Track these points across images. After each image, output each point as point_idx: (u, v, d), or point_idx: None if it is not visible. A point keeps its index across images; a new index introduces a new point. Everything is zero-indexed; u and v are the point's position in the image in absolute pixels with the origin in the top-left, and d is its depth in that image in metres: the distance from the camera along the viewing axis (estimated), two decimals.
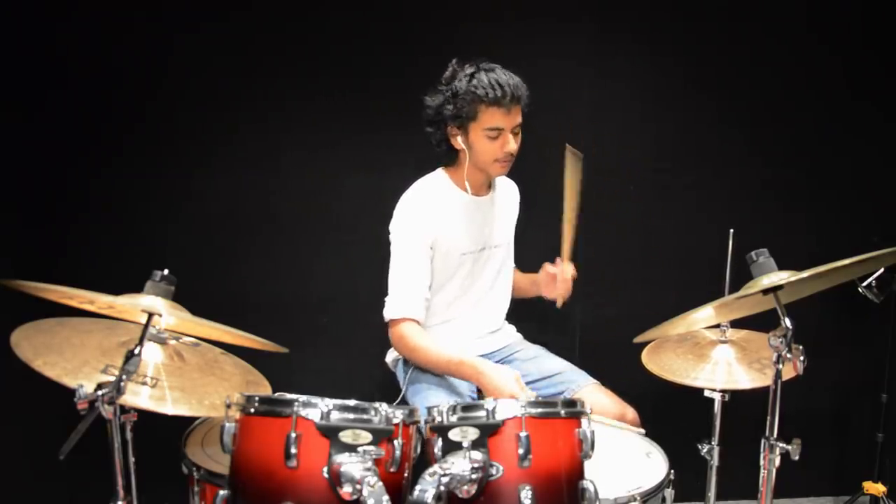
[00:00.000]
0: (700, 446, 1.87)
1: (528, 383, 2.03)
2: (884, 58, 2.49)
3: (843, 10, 2.44)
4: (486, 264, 2.08)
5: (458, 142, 1.92)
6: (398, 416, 1.28)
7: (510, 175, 2.12)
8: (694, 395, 1.81)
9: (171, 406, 1.38)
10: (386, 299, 1.94)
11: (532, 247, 2.32)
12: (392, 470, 1.26)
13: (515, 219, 2.20)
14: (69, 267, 2.14)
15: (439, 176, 2.02)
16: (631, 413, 1.95)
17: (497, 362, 2.13)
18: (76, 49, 2.18)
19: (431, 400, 1.91)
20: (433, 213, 1.94)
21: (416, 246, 1.92)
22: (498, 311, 2.17)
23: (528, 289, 2.18)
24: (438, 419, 1.35)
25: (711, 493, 1.89)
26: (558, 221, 2.43)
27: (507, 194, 2.16)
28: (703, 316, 1.65)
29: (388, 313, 1.93)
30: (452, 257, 1.99)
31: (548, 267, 2.07)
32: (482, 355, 2.12)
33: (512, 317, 2.23)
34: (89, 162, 2.22)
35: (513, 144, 1.90)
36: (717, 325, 1.84)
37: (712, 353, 1.81)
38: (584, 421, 1.35)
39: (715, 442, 1.85)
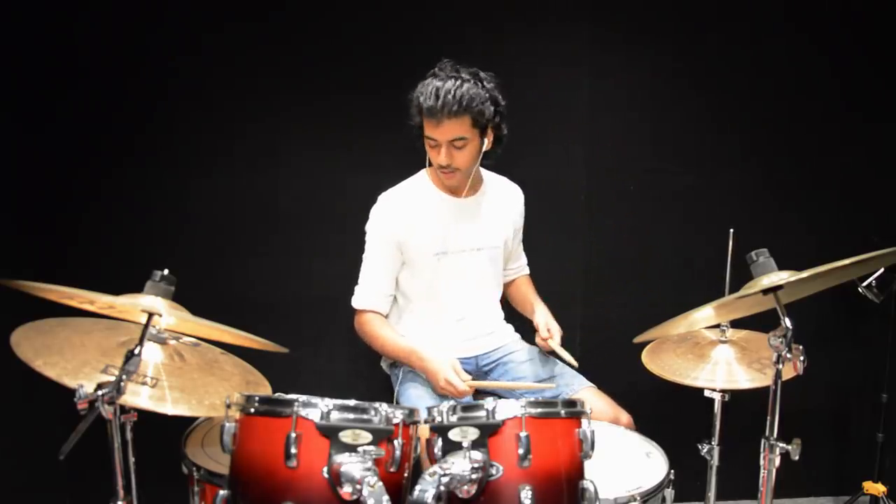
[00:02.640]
0: (700, 446, 1.87)
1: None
2: (884, 58, 2.49)
3: (842, 10, 2.44)
4: (469, 267, 2.05)
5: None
6: (398, 416, 1.28)
7: (512, 176, 2.13)
8: (694, 395, 1.81)
9: (171, 406, 1.37)
10: (355, 288, 2.03)
11: (534, 248, 2.32)
12: (392, 470, 1.26)
13: (514, 222, 2.16)
14: (69, 267, 2.15)
15: (419, 176, 2.05)
16: (625, 417, 1.94)
17: (492, 364, 2.14)
18: (76, 51, 2.18)
19: (416, 400, 1.93)
20: (402, 214, 1.97)
21: (382, 244, 1.99)
22: (490, 313, 2.16)
23: (530, 312, 2.15)
24: (438, 419, 1.35)
25: (711, 493, 1.89)
26: (561, 221, 2.45)
27: (502, 197, 2.13)
28: (703, 316, 1.65)
29: (355, 303, 2.04)
30: (425, 258, 1.99)
31: (539, 338, 2.01)
32: (476, 357, 2.13)
33: (511, 317, 2.23)
34: (89, 162, 2.22)
35: (442, 158, 1.86)
36: (717, 325, 1.84)
37: (712, 353, 1.81)
38: (584, 421, 1.36)
39: (715, 442, 1.85)
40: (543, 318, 2.06)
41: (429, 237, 1.98)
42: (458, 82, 1.83)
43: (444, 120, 1.82)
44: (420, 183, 2.03)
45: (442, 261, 2.01)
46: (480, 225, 2.07)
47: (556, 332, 2.00)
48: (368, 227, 2.02)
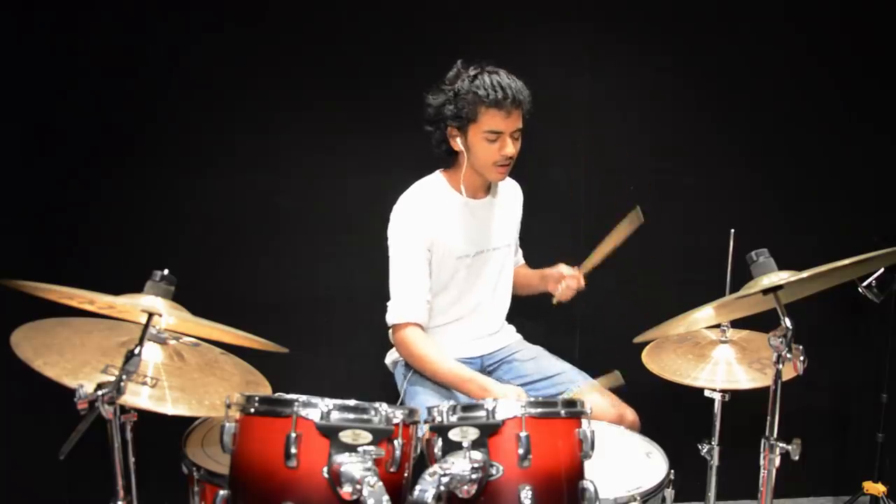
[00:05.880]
0: (700, 446, 1.87)
1: (527, 384, 2.05)
2: (883, 58, 2.49)
3: (841, 11, 2.44)
4: (484, 267, 2.07)
5: (458, 143, 1.92)
6: (398, 416, 1.28)
7: (512, 175, 2.13)
8: (694, 395, 1.81)
9: (171, 406, 1.37)
10: (388, 304, 1.94)
11: (534, 247, 2.32)
12: (392, 470, 1.26)
13: (518, 220, 2.19)
14: (69, 267, 2.15)
15: (437, 178, 2.03)
16: (630, 414, 1.95)
17: (496, 363, 2.14)
18: (76, 51, 2.18)
19: (429, 404, 1.90)
20: (429, 216, 1.94)
21: (413, 249, 1.92)
22: (498, 313, 2.17)
23: (537, 284, 2.17)
24: (438, 419, 1.35)
25: (711, 493, 1.89)
26: (561, 221, 2.45)
27: (509, 196, 2.15)
28: (703, 316, 1.65)
29: (391, 318, 1.93)
30: (449, 261, 1.99)
31: (563, 268, 2.05)
32: (482, 356, 2.13)
33: (512, 317, 2.23)
34: (89, 162, 2.22)
35: (511, 148, 1.89)
36: (717, 325, 1.84)
37: (712, 353, 1.81)
38: (584, 421, 1.36)
39: (715, 442, 1.85)
40: (551, 270, 2.08)
41: (454, 240, 1.98)
42: (506, 75, 1.86)
43: (513, 110, 1.85)
44: (440, 184, 2.01)
45: (463, 262, 2.01)
46: (496, 225, 2.08)
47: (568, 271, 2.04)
48: (395, 231, 1.95)
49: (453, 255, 1.99)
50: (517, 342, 2.21)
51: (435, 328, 2.05)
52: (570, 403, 1.36)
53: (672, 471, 1.59)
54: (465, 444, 1.29)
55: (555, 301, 2.06)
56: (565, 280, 2.02)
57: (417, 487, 1.16)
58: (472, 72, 1.88)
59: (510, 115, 1.85)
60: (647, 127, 2.48)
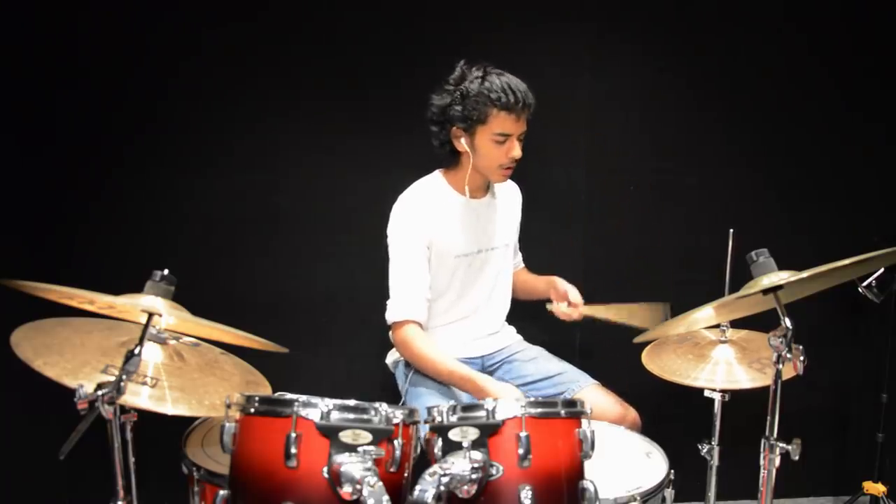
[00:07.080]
0: (700, 446, 1.87)
1: (528, 384, 2.05)
2: (883, 58, 2.49)
3: (841, 11, 2.44)
4: (483, 267, 2.07)
5: (462, 144, 1.92)
6: (398, 416, 1.28)
7: (513, 175, 2.13)
8: (694, 395, 1.81)
9: (171, 406, 1.38)
10: (387, 302, 1.94)
11: (534, 247, 2.33)
12: (392, 470, 1.26)
13: (517, 221, 2.20)
14: (69, 267, 2.15)
15: (436, 178, 2.03)
16: (632, 414, 1.95)
17: (497, 364, 2.14)
18: (76, 51, 2.18)
19: (431, 405, 1.90)
20: (428, 215, 1.95)
21: (413, 247, 1.93)
22: (498, 313, 2.17)
23: (542, 289, 2.16)
24: (438, 419, 1.35)
25: (711, 493, 1.89)
26: (561, 221, 2.45)
27: (507, 196, 2.16)
28: (703, 316, 1.65)
29: (390, 316, 1.93)
30: (447, 260, 1.99)
31: (571, 292, 2.05)
32: (482, 357, 2.13)
33: (512, 317, 2.23)
34: (89, 162, 2.22)
35: (518, 151, 1.90)
36: (717, 325, 1.84)
37: (712, 353, 1.81)
38: (584, 421, 1.36)
39: (715, 442, 1.85)
40: (562, 283, 2.08)
41: (452, 239, 1.98)
42: (513, 77, 1.87)
43: (522, 114, 1.86)
44: (439, 184, 2.02)
45: (461, 262, 2.01)
46: (494, 225, 2.08)
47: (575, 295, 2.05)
48: (394, 230, 1.95)
49: (452, 255, 1.99)
50: (517, 342, 2.21)
51: (435, 329, 2.05)
52: (570, 403, 1.36)
53: (672, 471, 1.59)
54: (465, 444, 1.29)
55: (549, 308, 2.07)
56: (566, 304, 2.03)
57: (417, 487, 1.16)
58: (478, 73, 1.87)
59: (519, 119, 1.86)
60: (648, 127, 2.48)
